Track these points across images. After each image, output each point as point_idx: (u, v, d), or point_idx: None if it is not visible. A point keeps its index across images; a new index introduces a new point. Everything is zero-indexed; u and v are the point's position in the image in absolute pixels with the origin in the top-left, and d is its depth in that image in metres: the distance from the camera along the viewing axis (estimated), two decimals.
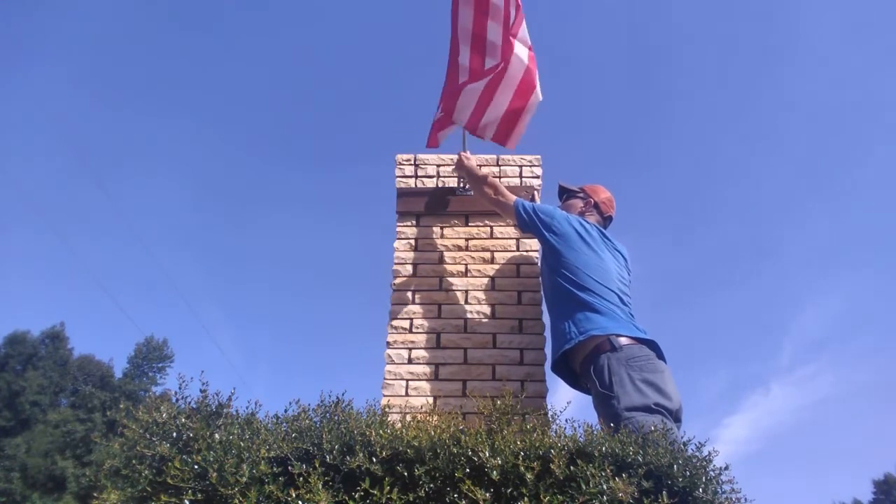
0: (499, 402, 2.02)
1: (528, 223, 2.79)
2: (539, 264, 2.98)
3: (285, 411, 1.89)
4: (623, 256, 2.84)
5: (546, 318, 2.84)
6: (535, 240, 3.02)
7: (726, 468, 1.71)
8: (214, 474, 1.57)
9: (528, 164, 3.24)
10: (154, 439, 1.71)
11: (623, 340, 2.40)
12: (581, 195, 3.06)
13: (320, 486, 1.56)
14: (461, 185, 3.17)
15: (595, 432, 1.77)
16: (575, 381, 2.61)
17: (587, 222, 2.84)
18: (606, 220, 3.05)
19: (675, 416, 2.30)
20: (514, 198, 2.89)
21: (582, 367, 2.47)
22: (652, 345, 2.46)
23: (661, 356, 2.47)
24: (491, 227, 3.08)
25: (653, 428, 2.08)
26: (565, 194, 3.14)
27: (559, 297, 2.63)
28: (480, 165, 3.19)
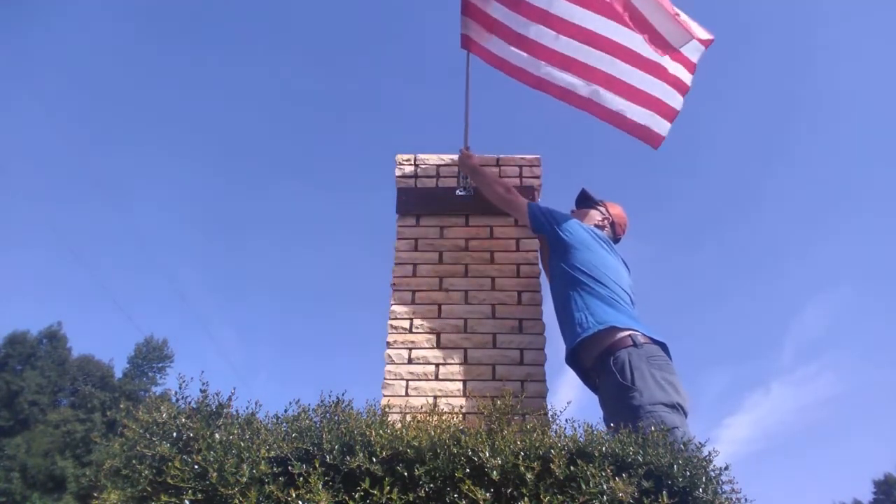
0: (499, 402, 2.02)
1: (544, 224, 2.83)
2: (542, 264, 2.99)
3: (285, 411, 1.89)
4: (627, 268, 2.90)
5: (546, 319, 2.85)
6: (536, 240, 3.03)
7: (726, 468, 1.71)
8: (214, 474, 1.57)
9: (528, 164, 3.24)
10: (154, 439, 1.71)
11: (641, 338, 2.44)
12: (601, 209, 3.12)
13: (320, 486, 1.56)
14: (461, 185, 3.16)
15: (595, 432, 1.77)
16: (584, 376, 2.62)
17: (600, 231, 2.93)
18: (616, 240, 3.10)
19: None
20: (524, 200, 2.94)
21: (597, 360, 2.48)
22: (664, 347, 2.50)
23: (670, 358, 2.50)
24: (491, 227, 3.07)
25: (678, 425, 2.13)
26: (587, 202, 3.18)
27: (573, 289, 2.64)
28: (482, 165, 3.18)
